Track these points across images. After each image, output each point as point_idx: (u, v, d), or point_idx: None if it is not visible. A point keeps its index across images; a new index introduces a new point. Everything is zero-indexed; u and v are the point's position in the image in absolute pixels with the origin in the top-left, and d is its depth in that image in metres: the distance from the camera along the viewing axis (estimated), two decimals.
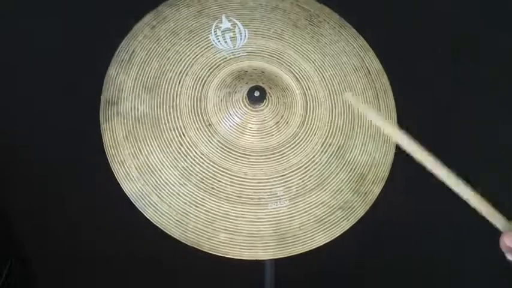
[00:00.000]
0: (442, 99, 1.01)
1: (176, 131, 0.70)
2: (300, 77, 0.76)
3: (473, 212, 1.10)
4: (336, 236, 0.70)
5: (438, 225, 1.14)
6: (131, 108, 0.72)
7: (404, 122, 0.77)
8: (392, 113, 0.78)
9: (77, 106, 0.93)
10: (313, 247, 0.69)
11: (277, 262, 0.85)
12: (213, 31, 0.76)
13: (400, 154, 0.75)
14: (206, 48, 0.76)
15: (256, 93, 0.71)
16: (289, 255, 0.68)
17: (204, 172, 0.69)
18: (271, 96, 0.72)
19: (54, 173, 1.09)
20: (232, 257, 0.67)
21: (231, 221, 0.68)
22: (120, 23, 0.75)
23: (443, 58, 1.00)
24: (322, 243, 0.69)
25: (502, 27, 0.97)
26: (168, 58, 0.74)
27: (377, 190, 0.73)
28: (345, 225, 0.71)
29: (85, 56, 0.95)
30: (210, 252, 0.67)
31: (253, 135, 0.71)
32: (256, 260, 0.67)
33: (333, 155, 0.73)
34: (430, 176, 1.11)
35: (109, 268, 1.15)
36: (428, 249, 1.16)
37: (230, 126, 0.71)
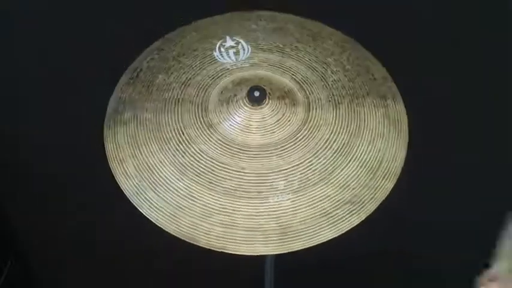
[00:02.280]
0: (448, 102, 0.97)
1: (176, 131, 0.70)
2: (302, 82, 0.75)
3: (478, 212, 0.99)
4: (344, 231, 0.64)
5: (444, 224, 1.03)
6: (134, 115, 0.73)
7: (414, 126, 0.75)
8: (402, 115, 0.75)
9: (78, 109, 0.95)
10: (319, 242, 0.63)
11: (277, 258, 0.78)
12: (217, 48, 0.79)
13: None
14: (210, 63, 0.78)
15: (256, 93, 0.71)
16: (292, 250, 0.62)
17: (201, 167, 0.67)
18: (271, 96, 0.71)
19: (54, 173, 1.10)
20: (229, 251, 0.62)
21: (228, 215, 0.64)
22: (130, 45, 0.80)
23: (445, 62, 0.98)
24: (329, 238, 0.63)
25: (503, 28, 0.95)
26: (172, 73, 0.77)
27: (389, 185, 0.68)
28: (354, 220, 0.65)
29: (92, 68, 1.00)
30: (206, 247, 0.62)
31: (253, 133, 0.70)
32: (256, 255, 0.62)
33: (338, 150, 0.69)
34: (440, 173, 1.03)
35: (109, 268, 1.09)
36: (433, 248, 1.04)
37: (230, 125, 0.70)
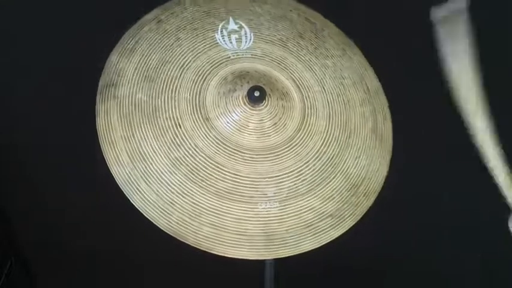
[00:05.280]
0: (440, 115, 1.02)
1: (172, 121, 0.69)
2: (300, 83, 0.76)
3: (470, 216, 1.09)
4: (323, 243, 0.68)
5: (438, 231, 1.14)
6: (129, 93, 0.71)
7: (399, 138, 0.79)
8: (388, 132, 0.79)
9: (77, 103, 0.91)
10: (300, 252, 0.67)
11: (277, 261, 0.82)
12: (219, 30, 0.77)
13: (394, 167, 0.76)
14: (210, 46, 0.76)
15: (256, 93, 0.71)
16: (275, 257, 0.66)
17: (195, 164, 0.68)
18: (270, 98, 0.72)
19: (54, 173, 1.07)
20: (216, 253, 0.65)
21: (217, 216, 0.66)
22: (126, 15, 0.76)
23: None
24: (309, 249, 0.68)
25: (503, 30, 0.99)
26: (171, 51, 0.74)
27: (368, 203, 0.73)
28: (333, 234, 0.69)
29: (85, 48, 0.95)
30: (194, 246, 0.65)
31: (249, 134, 0.71)
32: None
33: (327, 162, 0.72)
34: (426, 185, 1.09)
35: (109, 268, 1.12)
36: (428, 252, 1.15)
37: (227, 122, 0.70)
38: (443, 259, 1.12)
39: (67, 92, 0.99)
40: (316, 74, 0.77)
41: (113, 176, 0.65)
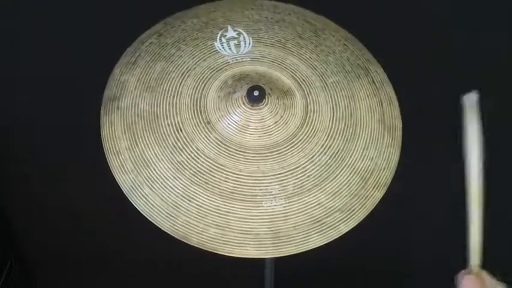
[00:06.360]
0: (446, 108, 0.99)
1: (174, 127, 0.70)
2: (301, 81, 0.75)
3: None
4: (333, 238, 0.66)
5: (436, 229, 1.09)
6: (132, 104, 0.73)
7: (407, 129, 0.76)
8: (397, 121, 0.76)
9: (77, 107, 0.94)
10: (309, 248, 0.65)
11: (277, 260, 0.81)
12: (218, 38, 0.78)
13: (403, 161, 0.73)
14: (210, 53, 0.77)
15: (256, 93, 0.71)
16: (283, 255, 0.65)
17: (198, 166, 0.68)
18: (270, 96, 0.72)
19: (54, 172, 1.10)
20: (221, 253, 0.64)
21: (223, 216, 0.66)
22: (128, 31, 0.78)
23: (448, 67, 1.00)
24: (318, 245, 0.66)
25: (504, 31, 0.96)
26: (172, 61, 0.76)
27: (378, 195, 0.70)
28: (343, 229, 0.67)
29: (88, 59, 0.98)
30: (198, 246, 0.64)
31: (251, 133, 0.71)
32: (254, 258, 0.64)
33: (333, 157, 0.71)
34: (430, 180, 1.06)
35: (109, 268, 1.12)
36: (428, 251, 1.10)
37: (228, 124, 0.70)
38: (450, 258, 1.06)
39: (69, 94, 1.02)
40: (317, 71, 0.77)
41: (113, 176, 0.66)
